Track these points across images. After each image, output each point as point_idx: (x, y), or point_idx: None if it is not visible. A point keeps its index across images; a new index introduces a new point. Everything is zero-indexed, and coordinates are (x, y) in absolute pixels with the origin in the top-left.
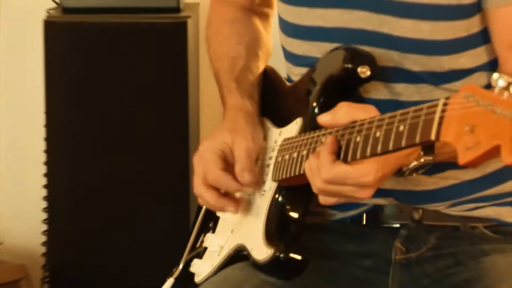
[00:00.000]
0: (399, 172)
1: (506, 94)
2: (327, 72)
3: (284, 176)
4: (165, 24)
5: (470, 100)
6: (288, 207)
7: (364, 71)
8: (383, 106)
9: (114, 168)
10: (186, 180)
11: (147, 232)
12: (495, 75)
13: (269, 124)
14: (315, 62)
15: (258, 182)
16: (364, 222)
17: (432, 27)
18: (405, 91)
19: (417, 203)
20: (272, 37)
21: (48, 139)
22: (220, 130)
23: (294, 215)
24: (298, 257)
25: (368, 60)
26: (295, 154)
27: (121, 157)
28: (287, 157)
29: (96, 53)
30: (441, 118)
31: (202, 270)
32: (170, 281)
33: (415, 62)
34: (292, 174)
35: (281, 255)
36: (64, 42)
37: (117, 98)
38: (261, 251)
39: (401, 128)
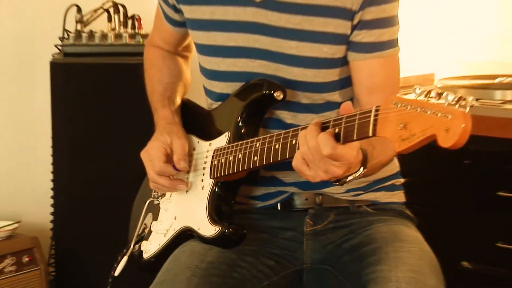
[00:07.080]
0: (338, 181)
1: (432, 100)
2: (249, 96)
3: (222, 174)
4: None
5: (399, 106)
6: (223, 195)
7: (278, 95)
8: (276, 124)
9: (111, 161)
10: None
11: None
12: (416, 86)
13: (196, 139)
14: (233, 92)
15: (189, 169)
16: (279, 209)
17: (314, 73)
18: (294, 117)
19: (315, 189)
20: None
21: (54, 146)
22: (161, 133)
23: (228, 201)
24: (239, 231)
25: (281, 87)
26: (231, 158)
27: (118, 150)
28: (223, 160)
29: (91, 86)
30: (375, 120)
31: (150, 248)
32: (124, 259)
33: (304, 97)
34: (231, 172)
35: (226, 231)
36: (67, 79)
37: (112, 120)
38: (208, 229)
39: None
